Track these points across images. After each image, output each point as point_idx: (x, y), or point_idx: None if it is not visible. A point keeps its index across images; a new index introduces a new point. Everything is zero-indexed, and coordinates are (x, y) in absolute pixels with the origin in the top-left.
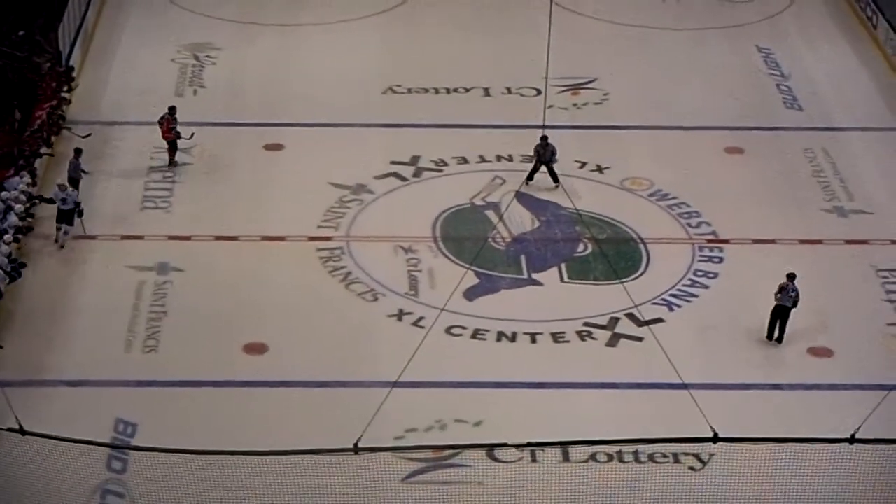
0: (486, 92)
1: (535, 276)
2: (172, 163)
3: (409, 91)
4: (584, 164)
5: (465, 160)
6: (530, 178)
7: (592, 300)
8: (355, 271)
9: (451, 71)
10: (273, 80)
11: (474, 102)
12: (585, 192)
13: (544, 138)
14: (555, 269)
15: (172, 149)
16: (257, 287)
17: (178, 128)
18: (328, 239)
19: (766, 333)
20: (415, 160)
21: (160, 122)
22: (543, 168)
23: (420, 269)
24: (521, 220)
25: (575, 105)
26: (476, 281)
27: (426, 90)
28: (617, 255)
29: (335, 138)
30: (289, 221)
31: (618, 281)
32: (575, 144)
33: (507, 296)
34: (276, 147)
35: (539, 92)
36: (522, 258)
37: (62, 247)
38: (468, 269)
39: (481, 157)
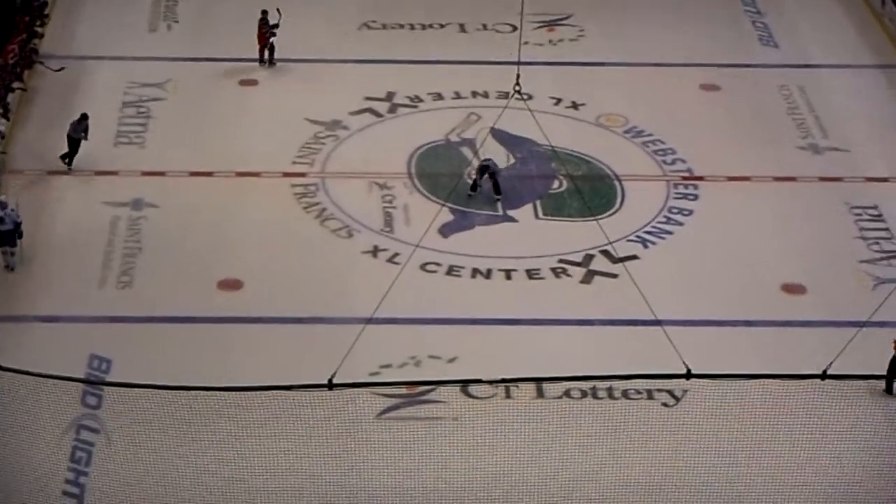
0: (462, 28)
1: (509, 212)
2: (270, 62)
3: (385, 27)
4: (559, 101)
5: (440, 96)
6: (473, 188)
7: (567, 237)
8: (330, 207)
9: (427, 7)
10: (248, 15)
11: (450, 38)
12: (561, 129)
13: (486, 163)
14: (529, 206)
15: (268, 49)
16: (232, 223)
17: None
18: (303, 175)
19: (884, 387)
20: (390, 96)
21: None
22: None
23: (395, 206)
24: (496, 156)
25: (550, 41)
26: (451, 217)
27: (401, 26)
28: (592, 192)
29: (310, 74)
30: (264, 157)
31: (593, 218)
32: (550, 81)
33: (482, 232)
34: (251, 83)
35: (515, 28)
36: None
37: (12, 270)
38: (443, 205)
39: (456, 93)
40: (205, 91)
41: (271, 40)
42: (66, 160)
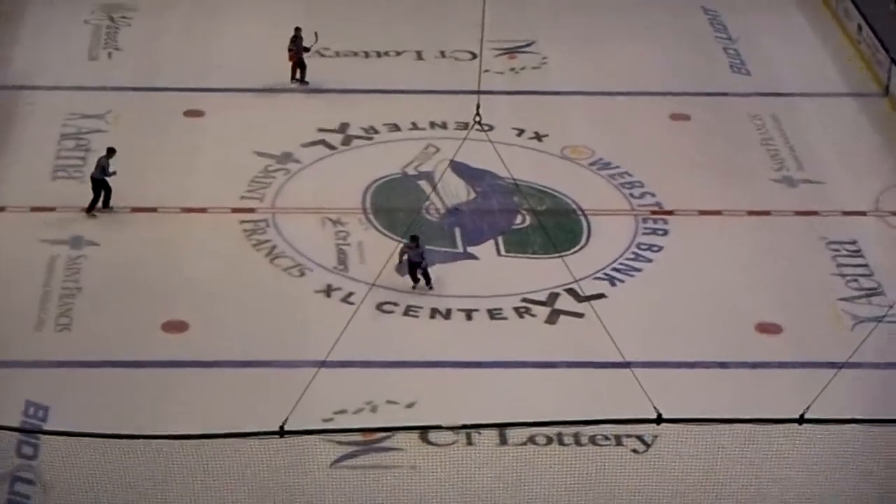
0: (419, 55)
1: (470, 249)
2: (302, 80)
3: (338, 55)
4: (521, 132)
5: (396, 127)
6: (415, 281)
7: (531, 275)
8: (281, 245)
9: (382, 34)
10: (193, 44)
11: (406, 66)
12: (523, 161)
13: (414, 239)
14: (491, 242)
15: (300, 67)
16: (177, 262)
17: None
18: (252, 211)
19: None
20: (343, 128)
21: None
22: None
23: (349, 243)
24: (455, 191)
25: (512, 69)
26: (408, 255)
27: (355, 53)
28: (557, 228)
29: (259, 105)
30: (211, 192)
31: (557, 254)
32: (512, 111)
33: (442, 270)
34: (197, 114)
35: (474, 56)
36: (457, 231)
37: None
38: (400, 242)
39: (414, 124)
40: (148, 122)
41: (303, 57)
42: (103, 204)
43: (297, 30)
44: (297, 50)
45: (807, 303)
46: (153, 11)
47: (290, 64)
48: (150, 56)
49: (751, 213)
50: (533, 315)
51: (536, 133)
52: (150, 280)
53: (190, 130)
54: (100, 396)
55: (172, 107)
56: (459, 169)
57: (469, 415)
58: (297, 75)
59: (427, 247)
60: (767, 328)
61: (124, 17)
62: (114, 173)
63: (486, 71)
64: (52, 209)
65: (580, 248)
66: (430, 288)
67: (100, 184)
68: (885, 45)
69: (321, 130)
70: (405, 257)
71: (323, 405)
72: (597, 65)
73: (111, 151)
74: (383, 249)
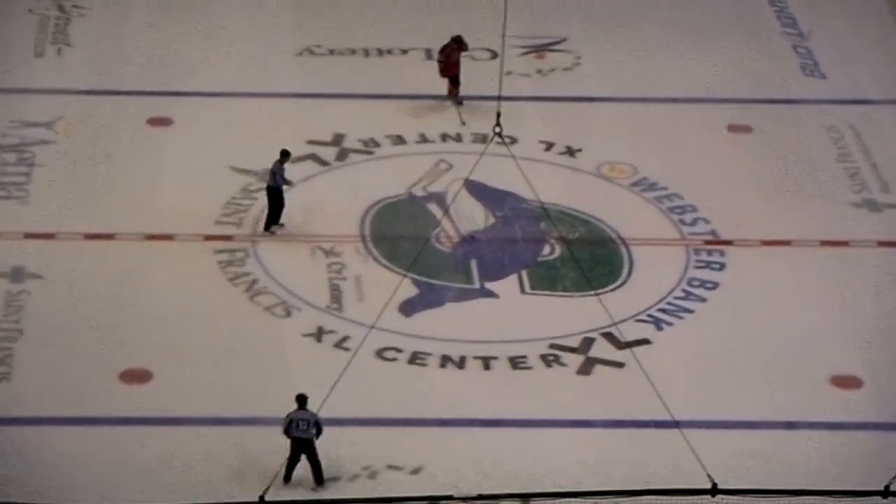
0: (429, 54)
1: (488, 285)
2: (458, 101)
3: (332, 52)
4: (550, 146)
5: (401, 140)
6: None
7: (561, 316)
8: (263, 279)
9: (385, 28)
10: (160, 39)
11: (413, 67)
12: (553, 181)
13: (285, 154)
14: (514, 277)
15: (454, 83)
16: (139, 299)
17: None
18: (229, 238)
19: None
20: (338, 140)
21: (441, 56)
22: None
23: (345, 277)
24: (471, 216)
25: (539, 71)
26: (415, 291)
27: (353, 51)
28: (592, 260)
29: (237, 112)
30: (179, 216)
31: (593, 292)
32: (540, 121)
33: (454, 310)
34: (164, 122)
35: (495, 55)
36: (473, 263)
37: None
38: (405, 276)
39: (422, 135)
40: (104, 132)
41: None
42: (272, 221)
43: (457, 39)
44: (445, 63)
45: (892, 351)
46: (112, 0)
47: (448, 76)
48: (107, 53)
49: (825, 243)
50: (563, 364)
51: (568, 147)
52: (106, 321)
53: (155, 142)
54: (45, 460)
55: (134, 114)
56: (476, 189)
57: (487, 483)
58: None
59: (436, 282)
60: (845, 382)
61: (77, 7)
62: (290, 183)
63: (509, 73)
64: None
65: (620, 285)
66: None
67: (277, 195)
68: None
69: (311, 143)
70: None
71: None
72: (640, 66)
73: (285, 155)
74: (385, 285)
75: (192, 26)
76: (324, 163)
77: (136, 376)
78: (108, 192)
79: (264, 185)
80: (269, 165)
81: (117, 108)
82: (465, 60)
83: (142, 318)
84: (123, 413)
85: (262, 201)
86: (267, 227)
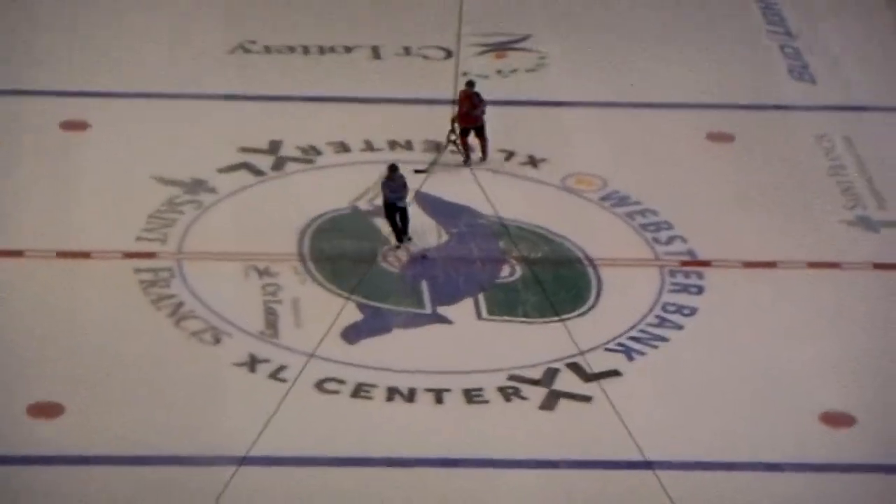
0: (376, 52)
1: (441, 310)
2: (483, 156)
3: (268, 50)
4: (511, 155)
5: (344, 147)
6: (398, 231)
7: (521, 344)
8: (190, 301)
9: (327, 23)
10: (75, 33)
11: (359, 66)
12: (513, 194)
13: (394, 170)
14: (469, 301)
15: (481, 135)
16: (50, 323)
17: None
18: (151, 256)
19: None
20: (274, 147)
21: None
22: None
23: (281, 300)
24: (423, 233)
25: (499, 72)
26: (359, 316)
27: (291, 49)
28: (556, 282)
29: (162, 115)
30: (96, 231)
31: (557, 318)
32: (500, 127)
33: (403, 337)
34: (79, 126)
35: (449, 53)
36: (424, 285)
37: None
38: (348, 299)
39: (367, 143)
40: (11, 137)
41: (482, 120)
42: (403, 237)
43: (470, 84)
44: (479, 109)
45: (888, 386)
46: None
47: (458, 127)
48: (13, 47)
49: (814, 265)
50: (524, 398)
51: (531, 157)
52: (13, 348)
53: (69, 148)
54: None
55: (45, 116)
56: (428, 203)
57: None
58: (480, 150)
59: (383, 305)
60: (836, 419)
61: None
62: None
63: (465, 74)
64: None
65: (587, 310)
66: (408, 239)
67: (405, 209)
68: None
69: (244, 150)
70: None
71: None
72: (611, 67)
73: (394, 169)
74: (326, 308)
75: (112, 18)
76: (258, 172)
77: (46, 410)
78: (15, 205)
79: (191, 197)
80: (198, 174)
81: (25, 109)
82: (415, 59)
83: (53, 344)
84: (31, 451)
85: (190, 215)
86: (400, 240)
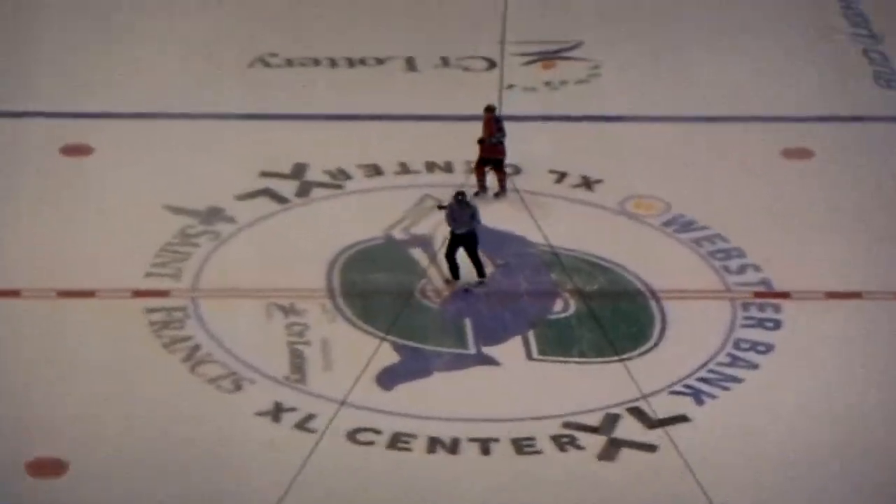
0: (411, 64)
1: (487, 350)
2: (501, 190)
3: (290, 63)
4: (562, 176)
5: (376, 170)
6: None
7: (577, 387)
8: (206, 344)
9: (356, 31)
10: (76, 46)
11: (392, 80)
12: (566, 220)
13: (460, 196)
14: (518, 340)
15: (499, 169)
16: (51, 371)
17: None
18: (164, 294)
19: None
20: (299, 171)
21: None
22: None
23: (308, 341)
24: (465, 263)
25: (548, 84)
26: (396, 358)
27: (316, 62)
28: (615, 317)
29: (173, 137)
30: (101, 267)
31: (617, 357)
32: (549, 145)
33: (445, 381)
34: (81, 150)
35: (492, 64)
36: (468, 322)
37: None
38: (383, 339)
39: (403, 165)
40: (6, 163)
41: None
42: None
43: (491, 109)
44: (496, 137)
45: None
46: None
47: (475, 165)
48: (8, 64)
49: None
50: (581, 447)
51: (584, 178)
52: (11, 399)
53: (70, 175)
54: None
55: (44, 139)
56: None
57: None
58: (486, 184)
59: (423, 346)
60: None
61: None
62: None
63: (511, 86)
64: None
65: (650, 348)
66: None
67: (472, 241)
68: None
69: (265, 175)
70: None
71: None
72: (673, 76)
73: (461, 196)
74: (358, 349)
75: (117, 30)
76: (281, 199)
77: (48, 467)
78: (11, 238)
79: (207, 228)
80: (214, 202)
81: (21, 132)
82: (454, 71)
83: (54, 394)
84: None
85: (206, 247)
86: (481, 275)
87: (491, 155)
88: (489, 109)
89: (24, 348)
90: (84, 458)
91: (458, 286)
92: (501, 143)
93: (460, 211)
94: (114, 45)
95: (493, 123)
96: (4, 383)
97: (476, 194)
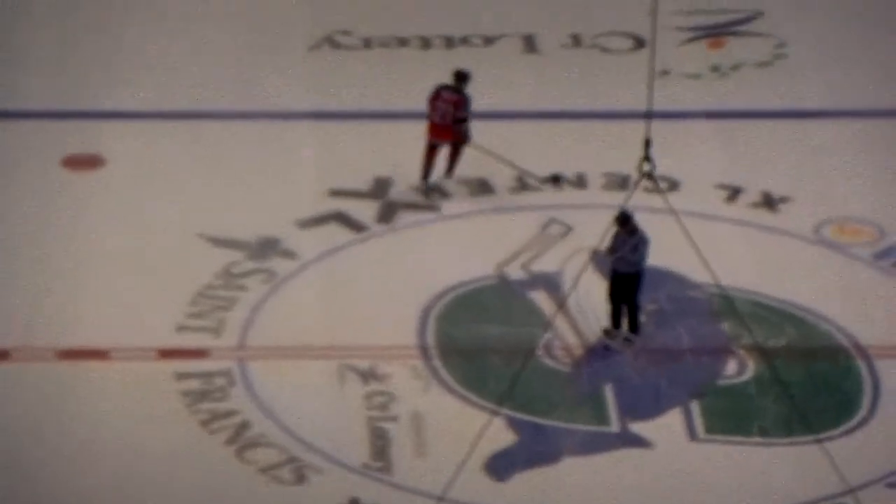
0: (529, 43)
1: (634, 427)
2: (449, 170)
3: (367, 44)
4: (735, 193)
5: (485, 186)
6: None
7: (758, 477)
8: (257, 421)
9: (456, 3)
10: (87, 38)
11: (506, 64)
12: (741, 252)
13: (623, 220)
14: (677, 414)
15: (455, 152)
16: (49, 457)
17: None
18: (201, 354)
19: None
20: (381, 188)
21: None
22: None
23: (394, 416)
24: (602, 309)
25: (715, 69)
26: (512, 438)
27: (402, 41)
28: (810, 384)
29: (211, 144)
30: (117, 319)
31: (813, 437)
32: (717, 149)
33: (577, 469)
34: (91, 162)
35: (641, 43)
36: (608, 390)
37: None
38: (495, 412)
39: (519, 180)
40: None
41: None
42: (630, 328)
43: (460, 76)
44: (441, 116)
45: None
46: None
47: (426, 146)
48: (8, 58)
49: None
50: None
51: (766, 195)
52: (5, 486)
53: (77, 193)
54: None
55: (45, 148)
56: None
57: None
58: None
59: (550, 422)
60: None
61: None
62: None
63: (665, 72)
64: None
65: (858, 425)
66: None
67: (635, 283)
68: None
69: (336, 194)
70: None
71: None
72: (881, 55)
73: (626, 218)
74: (461, 427)
75: (134, 20)
76: (359, 227)
77: None
78: (4, 280)
79: (258, 265)
80: (267, 231)
81: (19, 138)
82: (589, 52)
83: (56, 487)
84: None
85: (256, 292)
86: (634, 329)
87: (446, 138)
88: (459, 77)
89: (15, 428)
90: None
91: (614, 338)
92: (464, 121)
93: (623, 239)
94: (136, 25)
95: (458, 98)
96: None
97: (421, 186)
